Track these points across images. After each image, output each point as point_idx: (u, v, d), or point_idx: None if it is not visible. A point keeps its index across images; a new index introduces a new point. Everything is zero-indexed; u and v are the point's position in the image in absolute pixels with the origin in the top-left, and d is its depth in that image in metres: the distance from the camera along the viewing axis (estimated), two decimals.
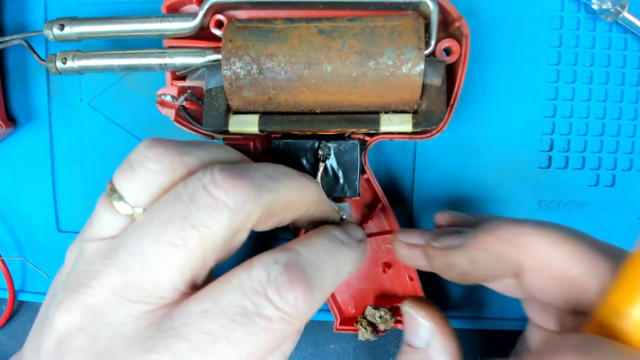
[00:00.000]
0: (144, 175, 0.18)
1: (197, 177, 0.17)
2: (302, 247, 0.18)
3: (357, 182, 0.25)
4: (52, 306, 0.17)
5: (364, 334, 0.27)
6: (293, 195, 0.19)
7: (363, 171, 0.26)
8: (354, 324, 0.28)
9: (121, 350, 0.16)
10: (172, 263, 0.16)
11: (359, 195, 0.26)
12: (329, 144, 0.25)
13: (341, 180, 0.25)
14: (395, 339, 0.33)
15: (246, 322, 0.16)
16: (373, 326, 0.28)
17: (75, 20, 0.26)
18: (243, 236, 0.18)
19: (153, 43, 0.27)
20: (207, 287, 0.17)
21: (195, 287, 0.17)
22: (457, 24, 0.24)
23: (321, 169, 0.25)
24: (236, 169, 0.18)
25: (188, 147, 0.19)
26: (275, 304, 0.16)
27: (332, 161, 0.25)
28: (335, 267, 0.19)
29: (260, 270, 0.17)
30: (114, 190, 0.18)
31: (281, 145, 0.26)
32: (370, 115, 0.25)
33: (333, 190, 0.25)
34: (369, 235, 0.28)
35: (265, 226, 0.19)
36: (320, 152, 0.25)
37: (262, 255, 0.17)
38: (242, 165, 0.18)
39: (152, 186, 0.18)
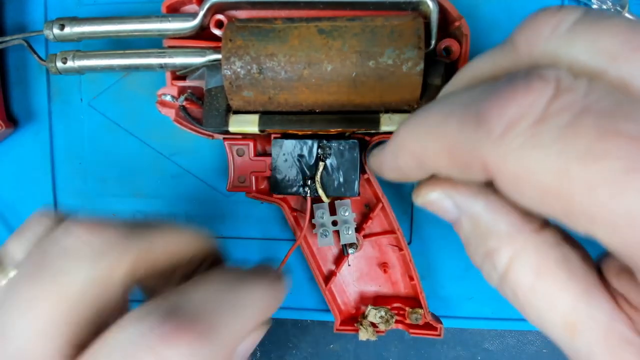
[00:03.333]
0: (31, 239, 0.17)
1: (53, 232, 0.16)
2: (186, 290, 0.16)
3: (356, 182, 0.25)
4: None
5: (365, 334, 0.27)
6: (168, 240, 0.17)
7: (363, 171, 0.26)
8: (355, 324, 0.28)
9: None
10: (31, 325, 0.14)
11: (358, 194, 0.26)
12: (329, 144, 0.25)
13: (341, 180, 0.25)
14: (395, 339, 0.33)
15: None
16: (373, 326, 0.28)
17: (75, 20, 0.26)
18: (121, 292, 0.16)
19: (153, 43, 0.27)
20: (83, 353, 0.14)
21: (83, 348, 0.15)
22: (457, 24, 0.24)
23: (321, 168, 0.25)
24: (95, 221, 0.16)
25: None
26: (160, 353, 0.13)
27: (332, 160, 0.25)
28: (233, 307, 0.16)
29: (136, 323, 0.14)
30: (1, 257, 0.17)
31: (281, 145, 0.26)
32: (370, 115, 0.25)
33: (333, 190, 0.25)
34: (369, 235, 0.28)
35: (152, 279, 0.17)
36: (320, 151, 0.25)
37: (133, 310, 0.15)
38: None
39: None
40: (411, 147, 0.15)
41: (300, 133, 0.25)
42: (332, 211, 0.27)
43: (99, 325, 0.15)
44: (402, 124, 0.15)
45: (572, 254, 0.14)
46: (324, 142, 0.25)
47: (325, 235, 0.27)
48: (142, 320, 0.14)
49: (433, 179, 0.16)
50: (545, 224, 0.15)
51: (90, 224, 0.16)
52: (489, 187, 0.15)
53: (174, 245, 0.17)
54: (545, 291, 0.14)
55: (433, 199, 0.16)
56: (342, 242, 0.27)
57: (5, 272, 0.16)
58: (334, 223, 0.27)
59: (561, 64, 0.12)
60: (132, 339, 0.13)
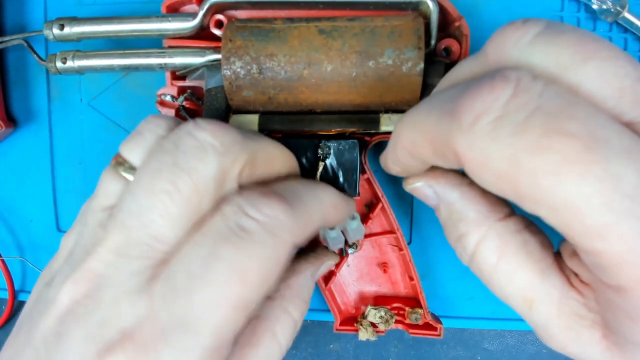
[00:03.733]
0: (152, 140, 0.18)
1: (179, 127, 0.18)
2: (276, 183, 0.19)
3: (357, 182, 0.25)
4: (52, 287, 0.17)
5: (365, 334, 0.27)
6: (271, 152, 0.20)
7: (363, 171, 0.26)
8: (354, 324, 0.28)
9: (124, 304, 0.16)
10: (168, 211, 0.16)
11: (359, 194, 0.26)
12: (329, 144, 0.25)
13: (341, 180, 0.25)
14: (395, 338, 0.33)
15: (231, 237, 0.16)
16: (373, 326, 0.28)
17: (75, 20, 0.26)
18: (230, 189, 0.18)
19: (153, 43, 0.27)
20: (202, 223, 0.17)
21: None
22: (457, 24, 0.24)
23: (321, 168, 0.25)
24: (219, 120, 0.18)
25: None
26: (254, 216, 0.16)
27: (332, 160, 0.25)
28: (311, 193, 0.19)
29: (235, 197, 0.17)
30: (121, 161, 0.18)
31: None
32: (370, 115, 0.25)
33: None
34: (369, 235, 0.28)
35: (252, 180, 0.19)
36: (320, 151, 0.25)
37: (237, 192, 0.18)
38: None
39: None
40: (404, 140, 0.17)
41: (300, 133, 0.25)
42: None
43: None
44: (400, 119, 0.18)
45: (531, 240, 0.17)
46: (324, 142, 0.25)
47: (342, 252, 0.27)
48: (246, 194, 0.17)
49: (426, 173, 0.19)
50: (510, 214, 0.18)
51: (217, 123, 0.17)
52: (465, 179, 0.18)
53: (274, 155, 0.20)
54: (506, 270, 0.17)
55: (417, 187, 0.20)
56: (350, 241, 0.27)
57: (131, 170, 0.18)
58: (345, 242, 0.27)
59: (523, 68, 0.14)
60: (234, 206, 0.17)
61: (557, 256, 0.17)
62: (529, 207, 0.14)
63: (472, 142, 0.14)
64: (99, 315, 0.16)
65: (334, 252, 0.26)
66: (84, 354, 0.15)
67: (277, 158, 0.20)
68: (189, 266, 0.16)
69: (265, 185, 0.19)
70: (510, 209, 0.18)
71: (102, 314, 0.16)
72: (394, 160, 0.19)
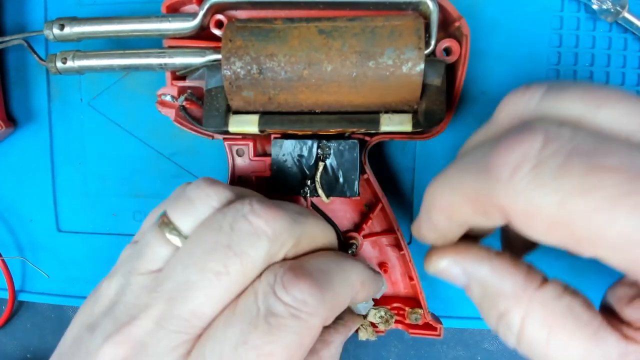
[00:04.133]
0: (204, 211, 0.19)
1: (235, 207, 0.18)
2: (306, 257, 0.20)
3: (356, 182, 0.25)
4: (95, 337, 0.17)
5: (365, 334, 0.27)
6: (317, 230, 0.20)
7: (363, 171, 0.26)
8: None
9: None
10: (214, 292, 0.17)
11: (358, 195, 0.26)
12: (329, 144, 0.25)
13: (341, 180, 0.25)
14: (395, 339, 0.33)
15: (260, 323, 0.16)
16: (373, 326, 0.28)
17: (75, 20, 0.26)
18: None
19: (153, 43, 0.27)
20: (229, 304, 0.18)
21: None
22: (457, 24, 0.24)
23: (321, 168, 0.25)
24: (271, 201, 0.19)
25: (230, 187, 0.20)
26: (283, 300, 0.17)
27: (331, 161, 0.25)
28: (341, 272, 0.20)
29: (269, 274, 0.18)
30: (168, 223, 0.19)
31: (281, 145, 0.26)
32: (370, 115, 0.25)
33: (333, 189, 0.25)
34: (369, 235, 0.28)
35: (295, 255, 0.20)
36: (319, 151, 0.25)
37: (268, 268, 0.18)
38: (273, 200, 0.20)
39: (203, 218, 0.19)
40: (440, 204, 0.17)
41: (300, 133, 0.25)
42: None
43: None
44: (429, 186, 0.18)
45: (574, 303, 0.15)
46: (324, 142, 0.25)
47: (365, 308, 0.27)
48: (276, 271, 0.18)
49: (440, 249, 0.19)
50: (546, 279, 0.16)
51: (271, 210, 0.18)
52: (492, 251, 0.17)
53: (317, 236, 0.20)
54: (560, 343, 0.15)
55: (443, 267, 0.18)
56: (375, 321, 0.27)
57: (181, 236, 0.19)
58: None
59: (547, 119, 0.15)
60: (264, 284, 0.17)
61: (603, 312, 0.16)
62: (588, 250, 0.13)
63: (516, 193, 0.14)
64: None
65: (361, 315, 0.26)
66: None
67: (319, 237, 0.21)
68: (220, 346, 0.16)
69: (297, 259, 0.19)
70: (543, 275, 0.17)
71: None
72: (429, 227, 0.19)
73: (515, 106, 0.16)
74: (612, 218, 0.12)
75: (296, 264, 0.18)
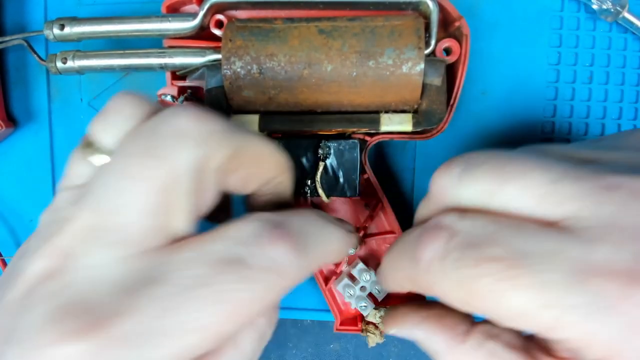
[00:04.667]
0: (120, 121, 0.17)
1: (158, 115, 0.17)
2: (289, 214, 0.18)
3: (357, 182, 0.25)
4: (22, 258, 0.16)
5: (374, 339, 0.27)
6: (260, 149, 0.19)
7: (363, 171, 0.26)
8: (361, 332, 0.28)
9: (94, 294, 0.15)
10: (138, 198, 0.15)
11: (359, 195, 0.26)
12: (329, 144, 0.25)
13: (341, 180, 0.25)
14: (395, 339, 0.33)
15: (231, 270, 0.15)
16: (375, 327, 0.28)
17: (75, 20, 0.26)
18: (210, 185, 0.17)
19: (153, 43, 0.27)
20: (195, 237, 0.17)
21: (178, 240, 0.17)
22: (457, 24, 0.24)
23: (321, 168, 0.25)
24: (201, 109, 0.17)
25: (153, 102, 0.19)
26: (261, 254, 0.16)
27: (332, 160, 0.25)
28: (321, 238, 0.19)
29: (250, 224, 0.17)
30: (89, 143, 0.18)
31: (281, 145, 0.26)
32: (370, 115, 0.25)
33: (333, 189, 0.25)
34: (369, 235, 0.28)
35: (228, 182, 0.18)
36: (320, 151, 0.25)
37: (252, 214, 0.18)
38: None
39: (124, 132, 0.17)
40: (390, 279, 0.21)
41: (300, 133, 0.25)
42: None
43: (193, 213, 0.17)
44: (383, 259, 0.22)
45: (496, 347, 0.18)
46: (324, 142, 0.25)
47: (365, 307, 0.27)
48: (257, 223, 0.17)
49: (388, 319, 0.23)
50: (471, 328, 0.20)
51: (196, 112, 0.17)
52: (423, 312, 0.21)
53: (264, 155, 0.19)
54: None
55: (393, 333, 0.23)
56: (380, 298, 0.27)
57: (100, 153, 0.17)
58: (362, 289, 0.27)
59: (455, 208, 0.18)
60: (243, 234, 0.17)
61: (530, 342, 0.19)
62: (495, 320, 0.16)
63: (432, 280, 0.17)
64: (70, 295, 0.15)
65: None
66: (49, 332, 0.14)
67: (267, 158, 0.19)
68: (178, 280, 0.15)
69: (276, 210, 0.18)
70: (468, 323, 0.20)
71: (75, 294, 0.15)
72: (388, 288, 0.23)
73: (440, 186, 0.18)
74: (498, 300, 0.15)
75: (278, 220, 0.17)
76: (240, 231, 0.17)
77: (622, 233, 0.15)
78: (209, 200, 0.18)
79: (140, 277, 0.15)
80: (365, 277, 0.27)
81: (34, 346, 0.14)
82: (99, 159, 0.17)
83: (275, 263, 0.16)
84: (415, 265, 0.18)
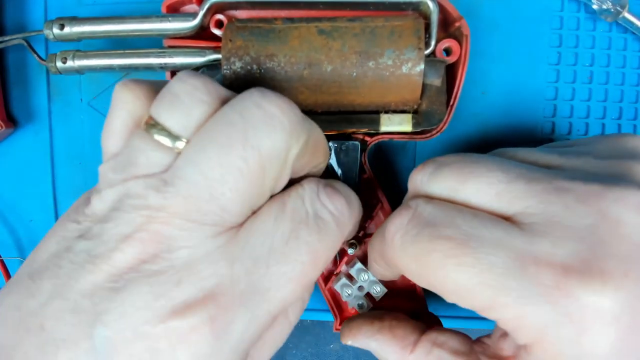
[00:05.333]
0: (192, 105, 0.17)
1: (242, 97, 0.17)
2: (330, 181, 0.21)
3: (356, 182, 0.25)
4: (100, 243, 0.16)
5: None
6: (321, 138, 0.20)
7: (363, 171, 0.26)
8: None
9: (203, 265, 0.16)
10: (239, 187, 0.16)
11: (358, 195, 0.25)
12: (330, 144, 0.25)
13: (341, 180, 0.25)
14: None
15: (310, 223, 0.18)
16: None
17: (75, 20, 0.26)
18: (288, 171, 0.18)
19: (153, 43, 0.27)
20: (266, 204, 0.18)
21: (254, 211, 0.18)
22: (457, 24, 0.24)
23: None
24: (280, 96, 0.18)
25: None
26: (328, 207, 0.19)
27: (332, 161, 0.25)
28: (355, 200, 0.21)
29: (312, 184, 0.19)
30: (154, 124, 0.17)
31: None
32: (370, 115, 0.25)
33: None
34: (369, 235, 0.28)
35: (297, 167, 0.19)
36: None
37: (307, 179, 0.20)
38: None
39: (198, 117, 0.17)
40: (370, 257, 0.24)
41: None
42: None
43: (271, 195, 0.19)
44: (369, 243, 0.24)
45: (442, 353, 0.21)
46: None
47: (362, 307, 0.27)
48: (317, 183, 0.19)
49: (344, 330, 0.25)
50: (418, 339, 0.22)
51: (284, 98, 0.17)
52: (376, 325, 0.23)
53: (321, 142, 0.21)
54: None
55: (349, 344, 0.24)
56: (378, 298, 0.27)
57: (172, 138, 0.17)
58: (360, 288, 0.27)
59: (422, 196, 0.20)
60: (309, 192, 0.19)
61: (479, 345, 0.21)
62: (441, 295, 0.18)
63: (394, 252, 0.19)
64: (173, 274, 0.16)
65: None
66: (160, 310, 0.15)
67: (322, 146, 0.21)
68: (271, 239, 0.17)
69: (329, 184, 0.20)
70: (418, 331, 0.22)
71: (179, 273, 0.16)
72: (373, 271, 0.25)
73: (414, 182, 0.21)
74: (444, 274, 0.17)
75: (331, 183, 0.20)
76: (305, 191, 0.19)
77: (564, 231, 0.16)
78: (283, 185, 0.19)
79: (239, 245, 0.17)
80: (363, 276, 0.27)
81: (141, 323, 0.15)
82: (175, 144, 0.17)
83: (338, 213, 0.19)
84: (383, 241, 0.20)
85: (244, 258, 0.17)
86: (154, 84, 0.19)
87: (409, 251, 0.18)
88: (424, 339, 0.22)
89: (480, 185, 0.18)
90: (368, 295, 0.27)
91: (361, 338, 0.23)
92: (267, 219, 0.18)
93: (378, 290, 0.27)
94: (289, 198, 0.18)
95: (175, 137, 0.17)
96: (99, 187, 0.18)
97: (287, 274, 0.17)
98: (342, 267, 0.28)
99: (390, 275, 0.24)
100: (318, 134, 0.20)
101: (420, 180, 0.20)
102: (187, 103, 0.17)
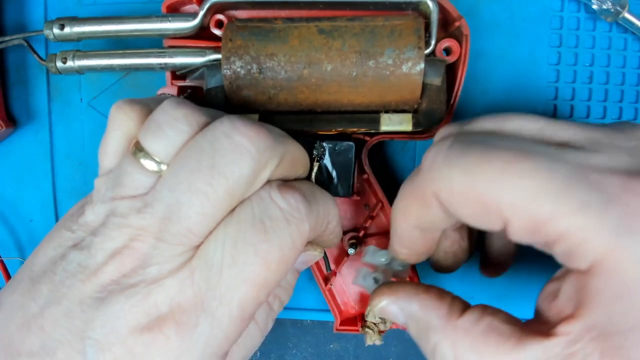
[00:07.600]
0: (173, 135, 0.18)
1: (214, 127, 0.18)
2: (295, 182, 0.21)
3: (350, 183, 0.25)
4: (89, 255, 0.18)
5: (372, 336, 0.27)
6: (297, 154, 0.21)
7: (363, 171, 0.26)
8: (360, 330, 0.28)
9: (169, 280, 0.18)
10: (205, 211, 0.18)
11: (351, 195, 0.25)
12: (324, 144, 0.25)
13: (335, 180, 0.25)
14: (395, 339, 0.33)
15: (256, 223, 0.18)
16: (376, 327, 0.27)
17: (75, 20, 0.26)
18: (255, 189, 0.19)
19: (153, 43, 0.27)
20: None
21: None
22: (457, 24, 0.24)
23: (315, 168, 0.25)
24: (251, 119, 0.19)
25: (200, 108, 0.20)
26: (279, 204, 0.19)
27: (326, 161, 0.25)
28: (322, 197, 0.21)
29: (266, 185, 0.19)
30: (140, 149, 0.19)
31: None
32: (370, 115, 0.25)
33: (327, 189, 0.25)
34: (369, 235, 0.28)
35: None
36: (314, 152, 0.25)
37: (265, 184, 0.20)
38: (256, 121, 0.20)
39: (177, 143, 0.19)
40: (397, 214, 0.22)
41: (300, 133, 0.25)
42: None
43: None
44: (393, 208, 0.22)
45: (494, 321, 0.18)
46: (319, 142, 0.25)
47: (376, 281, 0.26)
48: (271, 184, 0.19)
49: (380, 289, 0.22)
50: (466, 307, 0.19)
51: (253, 127, 0.18)
52: (420, 287, 0.21)
53: (298, 159, 0.21)
54: None
55: (383, 306, 0.22)
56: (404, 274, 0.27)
57: (155, 161, 0.18)
58: (376, 278, 0.26)
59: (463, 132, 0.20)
60: (261, 192, 0.19)
61: (529, 322, 0.18)
62: (495, 220, 0.17)
63: (436, 175, 0.18)
64: (144, 287, 0.18)
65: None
66: (134, 319, 0.17)
67: (300, 159, 0.21)
68: (222, 245, 0.18)
69: (287, 183, 0.20)
70: (466, 303, 0.20)
71: (149, 286, 0.18)
72: (398, 242, 0.23)
73: (443, 131, 0.21)
74: (504, 185, 0.16)
75: (287, 183, 0.20)
76: (256, 193, 0.19)
77: (615, 150, 0.17)
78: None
79: (196, 258, 0.18)
80: (381, 258, 0.26)
81: (120, 329, 0.17)
82: (156, 167, 0.19)
83: (287, 210, 0.19)
84: (418, 173, 0.19)
85: (202, 267, 0.18)
86: (147, 104, 0.21)
87: (459, 165, 0.17)
88: (473, 307, 0.19)
89: (523, 122, 0.18)
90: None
91: (403, 296, 0.21)
92: (219, 227, 0.18)
93: (403, 266, 0.26)
94: (240, 204, 0.19)
95: (158, 162, 0.19)
96: (93, 198, 0.20)
97: (238, 276, 0.18)
98: (363, 259, 0.27)
99: (418, 245, 0.23)
100: (295, 151, 0.21)
101: (452, 128, 0.20)
102: (168, 133, 0.18)
